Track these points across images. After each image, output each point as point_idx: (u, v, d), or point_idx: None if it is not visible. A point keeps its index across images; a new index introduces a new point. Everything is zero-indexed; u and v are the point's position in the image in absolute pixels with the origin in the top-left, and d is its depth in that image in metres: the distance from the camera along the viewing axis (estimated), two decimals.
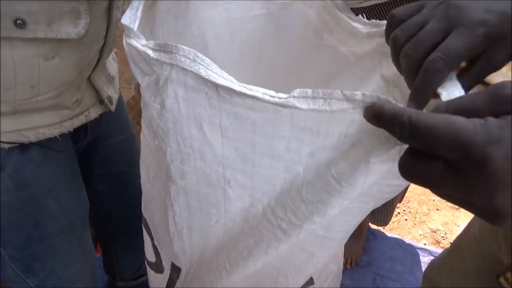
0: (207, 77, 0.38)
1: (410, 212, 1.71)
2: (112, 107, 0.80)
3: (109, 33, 0.68)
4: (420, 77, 0.34)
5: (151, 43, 0.41)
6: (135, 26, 0.44)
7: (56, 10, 0.55)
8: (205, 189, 0.49)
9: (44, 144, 0.70)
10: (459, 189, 0.25)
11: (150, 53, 0.41)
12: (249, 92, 0.37)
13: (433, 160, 0.26)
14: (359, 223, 0.52)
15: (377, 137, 0.34)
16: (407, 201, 1.73)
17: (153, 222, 0.67)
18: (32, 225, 0.74)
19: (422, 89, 0.34)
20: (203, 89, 0.40)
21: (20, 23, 0.52)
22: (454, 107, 0.27)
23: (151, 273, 0.80)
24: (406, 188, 1.38)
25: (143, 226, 0.73)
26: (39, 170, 0.72)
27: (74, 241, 0.82)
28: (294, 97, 0.36)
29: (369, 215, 1.49)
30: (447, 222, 1.67)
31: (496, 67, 0.36)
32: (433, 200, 1.76)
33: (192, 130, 0.43)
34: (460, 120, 0.25)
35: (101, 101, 0.77)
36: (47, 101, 0.65)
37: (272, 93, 0.37)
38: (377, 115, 0.30)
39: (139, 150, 0.60)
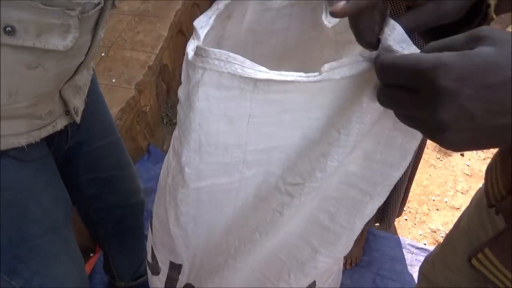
0: (246, 76, 0.39)
1: (410, 212, 1.71)
2: (78, 118, 0.79)
3: (90, 51, 0.68)
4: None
5: (197, 46, 0.42)
6: (203, 32, 0.45)
7: (47, 22, 0.55)
8: (221, 180, 0.50)
9: (15, 156, 0.70)
10: (414, 106, 0.32)
11: (190, 55, 0.42)
12: (289, 79, 0.39)
13: (399, 90, 0.34)
14: (362, 225, 0.52)
15: (370, 84, 0.40)
16: (407, 201, 1.73)
17: (155, 222, 0.67)
18: (14, 228, 0.74)
19: (357, 32, 0.40)
20: (238, 85, 0.41)
21: (9, 30, 0.52)
22: (438, 45, 0.33)
23: (150, 274, 0.80)
24: (407, 193, 1.38)
25: (149, 226, 0.73)
26: (18, 174, 0.72)
27: (59, 241, 0.82)
28: (327, 71, 0.39)
29: (372, 220, 1.46)
30: (447, 222, 1.67)
31: (443, 15, 0.39)
32: (433, 200, 1.76)
33: (220, 125, 0.44)
34: (420, 55, 0.32)
35: (67, 112, 0.77)
36: (22, 110, 0.64)
37: (304, 74, 0.40)
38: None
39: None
